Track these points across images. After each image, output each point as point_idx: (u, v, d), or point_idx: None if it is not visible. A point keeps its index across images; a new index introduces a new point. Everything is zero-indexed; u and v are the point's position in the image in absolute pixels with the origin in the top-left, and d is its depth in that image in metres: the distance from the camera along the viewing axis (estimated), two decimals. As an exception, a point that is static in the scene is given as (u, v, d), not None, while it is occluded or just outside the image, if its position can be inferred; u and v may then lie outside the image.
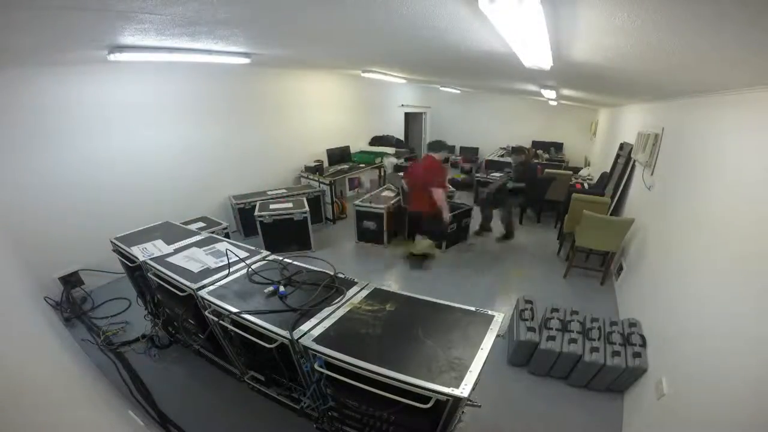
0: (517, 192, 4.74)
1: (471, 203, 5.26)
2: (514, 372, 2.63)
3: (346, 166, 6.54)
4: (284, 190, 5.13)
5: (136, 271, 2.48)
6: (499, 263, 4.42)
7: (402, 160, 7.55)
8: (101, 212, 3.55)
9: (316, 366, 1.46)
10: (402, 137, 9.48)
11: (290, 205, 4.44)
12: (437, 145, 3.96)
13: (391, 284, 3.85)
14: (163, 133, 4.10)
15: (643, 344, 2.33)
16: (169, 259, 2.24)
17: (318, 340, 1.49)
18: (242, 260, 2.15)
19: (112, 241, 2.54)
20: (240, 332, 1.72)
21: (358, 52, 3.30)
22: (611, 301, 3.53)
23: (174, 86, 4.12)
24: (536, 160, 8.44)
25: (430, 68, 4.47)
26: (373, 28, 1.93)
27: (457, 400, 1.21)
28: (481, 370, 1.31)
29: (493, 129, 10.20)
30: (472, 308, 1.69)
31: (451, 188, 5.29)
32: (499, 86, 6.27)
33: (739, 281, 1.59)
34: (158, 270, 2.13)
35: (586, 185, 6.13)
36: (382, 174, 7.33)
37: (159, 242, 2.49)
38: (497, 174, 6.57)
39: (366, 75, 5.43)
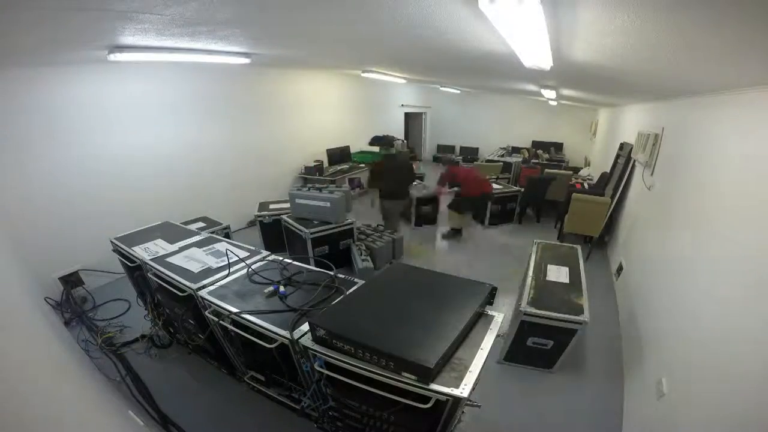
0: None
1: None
2: (513, 371, 2.63)
3: (346, 166, 6.55)
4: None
5: (136, 271, 2.48)
6: (499, 264, 4.42)
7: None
8: (101, 212, 3.55)
9: (316, 366, 1.46)
10: (402, 137, 9.49)
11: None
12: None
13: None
14: (163, 133, 4.10)
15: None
16: (169, 259, 2.24)
17: (318, 340, 1.49)
18: (242, 260, 2.15)
19: (112, 241, 2.54)
20: (240, 332, 1.72)
21: (358, 52, 3.30)
22: (611, 301, 3.53)
23: (174, 86, 4.12)
24: (535, 160, 8.45)
25: (431, 68, 4.48)
26: (374, 28, 1.94)
27: (457, 400, 1.21)
28: (480, 370, 1.31)
29: (493, 129, 10.21)
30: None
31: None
32: (499, 86, 6.27)
33: (740, 281, 1.59)
34: (158, 270, 2.13)
35: (586, 185, 6.13)
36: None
37: (159, 242, 2.49)
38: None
39: (366, 75, 5.43)
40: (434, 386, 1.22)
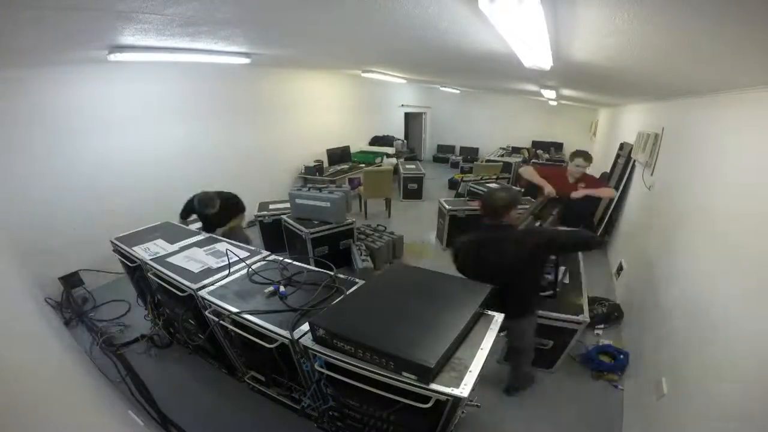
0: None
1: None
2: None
3: (346, 166, 6.55)
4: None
5: (136, 271, 2.48)
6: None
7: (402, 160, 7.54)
8: (101, 212, 3.55)
9: (316, 366, 1.46)
10: (402, 137, 9.49)
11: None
12: None
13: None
14: (163, 133, 4.10)
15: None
16: (170, 259, 2.24)
17: (318, 340, 1.49)
18: (242, 260, 2.15)
19: (112, 242, 2.54)
20: (240, 332, 1.72)
21: (358, 52, 3.30)
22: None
23: (174, 86, 4.12)
24: (535, 160, 8.43)
25: (430, 68, 4.47)
26: (373, 28, 1.94)
27: (457, 400, 1.21)
28: (480, 370, 1.31)
29: (493, 129, 10.20)
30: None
31: None
32: (499, 86, 6.27)
33: (739, 281, 1.59)
34: (158, 270, 2.13)
35: (586, 185, 6.10)
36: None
37: (159, 242, 2.49)
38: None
39: (366, 75, 5.43)
40: (434, 386, 1.22)
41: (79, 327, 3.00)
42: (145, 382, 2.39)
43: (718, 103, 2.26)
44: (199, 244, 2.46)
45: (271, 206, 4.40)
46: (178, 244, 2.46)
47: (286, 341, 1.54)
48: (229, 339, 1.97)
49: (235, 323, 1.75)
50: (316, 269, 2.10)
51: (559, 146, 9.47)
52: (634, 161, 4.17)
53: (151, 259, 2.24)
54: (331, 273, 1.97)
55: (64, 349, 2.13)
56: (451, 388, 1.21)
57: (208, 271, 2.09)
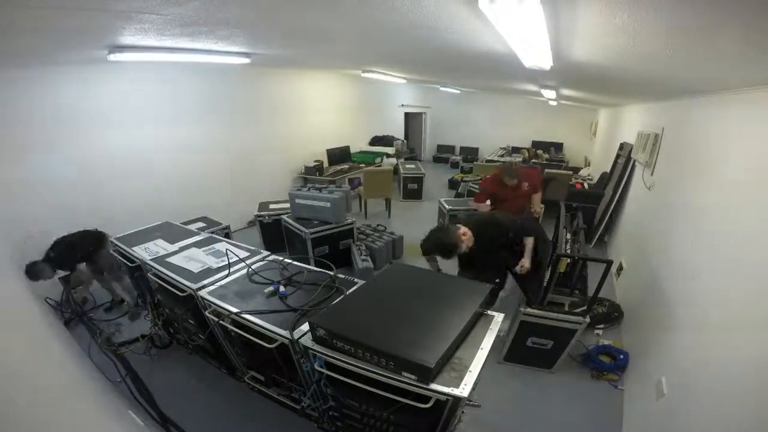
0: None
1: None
2: (513, 371, 2.62)
3: (346, 166, 6.55)
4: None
5: (136, 271, 2.48)
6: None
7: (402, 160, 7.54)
8: (101, 212, 3.55)
9: (316, 366, 1.46)
10: (402, 137, 9.50)
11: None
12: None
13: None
14: (164, 133, 4.10)
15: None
16: (170, 260, 2.24)
17: (318, 340, 1.49)
18: (242, 260, 2.15)
19: (112, 241, 2.54)
20: (240, 332, 1.72)
21: (358, 52, 3.30)
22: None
23: (174, 86, 4.12)
24: (535, 160, 8.43)
25: (430, 68, 4.48)
26: (373, 28, 1.94)
27: (457, 400, 1.21)
28: (480, 370, 1.31)
29: (493, 129, 10.21)
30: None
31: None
32: (499, 86, 6.28)
33: (739, 281, 1.59)
34: (158, 270, 2.13)
35: (586, 185, 6.12)
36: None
37: (159, 242, 2.49)
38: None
39: (366, 75, 5.43)
40: (434, 386, 1.22)
41: (79, 327, 3.00)
42: (145, 382, 2.39)
43: (718, 102, 2.26)
44: (198, 245, 2.46)
45: (271, 206, 4.40)
46: (178, 244, 2.46)
47: (286, 341, 1.54)
48: (229, 339, 1.97)
49: (235, 323, 1.74)
50: (316, 269, 2.10)
51: (559, 146, 9.47)
52: (634, 161, 4.17)
53: (151, 259, 2.24)
54: (331, 273, 1.97)
55: (64, 349, 2.13)
56: (451, 388, 1.21)
57: (208, 271, 2.09)
